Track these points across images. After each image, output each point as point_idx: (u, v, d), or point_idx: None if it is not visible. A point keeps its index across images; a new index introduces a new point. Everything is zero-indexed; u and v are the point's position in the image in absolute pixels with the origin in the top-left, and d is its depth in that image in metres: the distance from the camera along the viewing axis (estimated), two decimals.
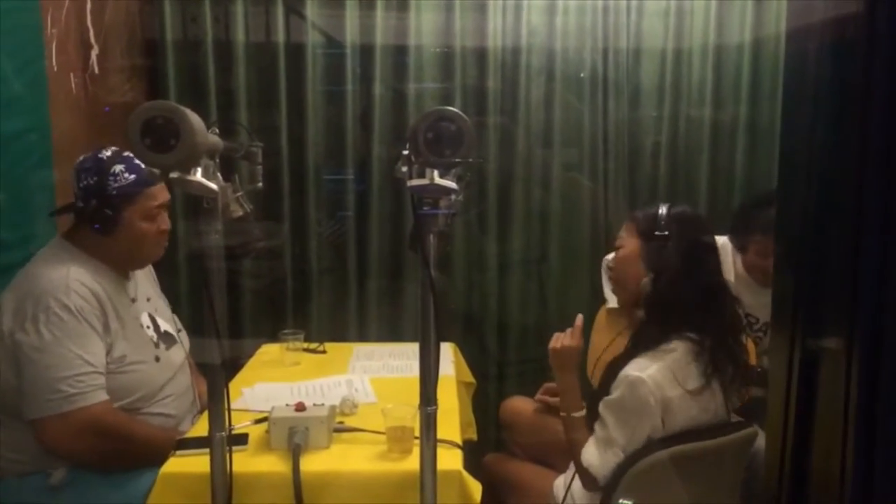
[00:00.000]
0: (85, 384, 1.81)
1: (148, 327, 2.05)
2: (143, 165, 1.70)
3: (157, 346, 2.04)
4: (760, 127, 3.03)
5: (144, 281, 2.15)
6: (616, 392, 1.74)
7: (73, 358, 1.80)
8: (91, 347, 1.84)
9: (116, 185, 1.90)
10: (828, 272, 0.88)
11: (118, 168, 1.91)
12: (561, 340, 1.90)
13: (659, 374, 1.71)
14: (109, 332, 1.90)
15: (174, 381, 2.06)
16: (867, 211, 0.80)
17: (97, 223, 1.92)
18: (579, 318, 1.93)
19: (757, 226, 2.30)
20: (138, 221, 1.95)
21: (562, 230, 3.08)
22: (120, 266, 2.02)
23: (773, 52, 2.97)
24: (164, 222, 2.02)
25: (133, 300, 2.05)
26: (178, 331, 2.20)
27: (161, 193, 1.99)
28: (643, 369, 1.72)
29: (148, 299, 2.12)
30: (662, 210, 1.83)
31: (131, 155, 1.92)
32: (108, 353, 1.89)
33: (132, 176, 1.91)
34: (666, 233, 1.79)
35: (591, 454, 1.76)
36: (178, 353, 2.13)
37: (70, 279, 1.86)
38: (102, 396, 1.84)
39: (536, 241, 3.09)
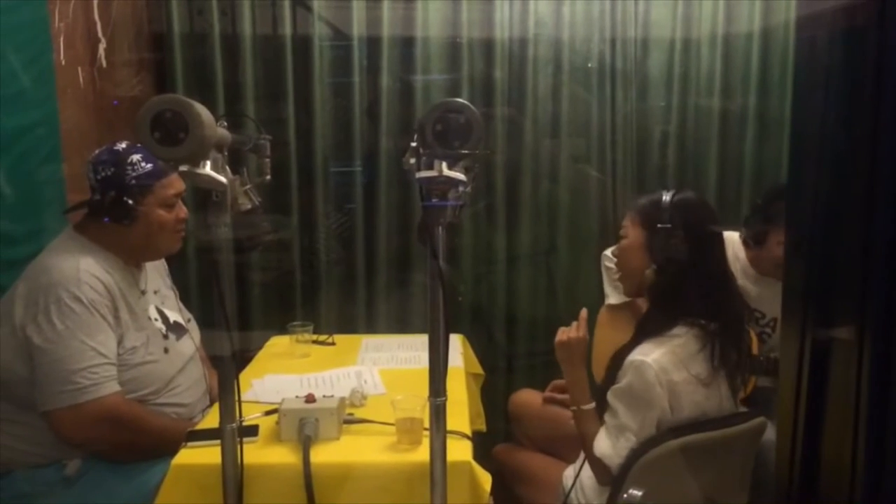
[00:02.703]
0: (98, 375, 1.82)
1: (156, 319, 2.06)
2: None
3: (165, 337, 2.05)
4: (770, 116, 3.01)
5: (153, 272, 2.16)
6: (623, 379, 1.74)
7: (85, 350, 1.81)
8: (103, 339, 1.85)
9: (134, 174, 1.92)
10: (839, 262, 0.87)
11: (135, 158, 1.93)
12: (567, 333, 1.91)
13: (664, 358, 1.71)
14: (120, 323, 1.92)
15: (184, 372, 2.07)
16: (879, 200, 0.80)
17: (116, 214, 1.93)
18: (583, 312, 1.94)
19: (777, 217, 2.28)
20: (157, 210, 1.97)
21: (570, 221, 3.07)
22: (134, 257, 2.03)
23: (782, 40, 2.95)
24: (182, 210, 2.04)
25: (143, 292, 2.06)
26: (188, 320, 2.21)
27: (177, 182, 2.00)
28: (647, 354, 1.72)
29: (156, 291, 2.13)
30: (665, 198, 1.82)
31: None
32: (120, 343, 1.90)
33: (149, 165, 1.93)
34: (669, 222, 1.78)
35: (604, 444, 1.76)
36: (188, 344, 2.14)
37: (81, 271, 1.86)
38: (115, 387, 1.85)
39: (545, 233, 3.08)
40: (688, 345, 1.74)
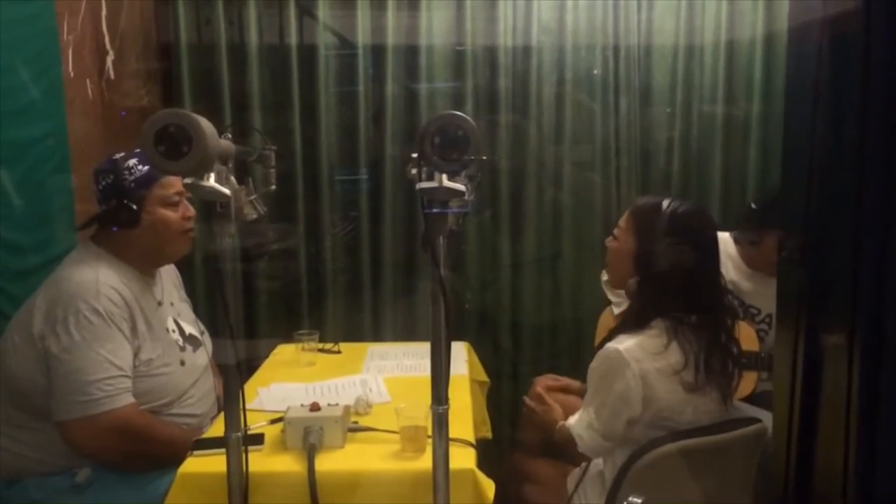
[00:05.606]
0: (113, 387, 1.83)
1: (173, 331, 2.07)
2: None
3: (182, 349, 2.06)
4: (773, 123, 3.01)
5: (169, 284, 2.18)
6: (594, 363, 1.80)
7: (101, 361, 1.83)
8: (119, 351, 1.87)
9: (132, 178, 1.94)
10: (830, 268, 0.88)
11: (131, 162, 1.95)
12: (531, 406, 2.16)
13: (636, 347, 1.73)
14: (137, 335, 1.93)
15: (198, 384, 2.09)
16: (867, 207, 0.81)
17: (122, 219, 1.94)
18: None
19: (773, 219, 2.29)
20: (159, 209, 1.98)
21: (575, 228, 3.08)
22: (147, 264, 2.04)
23: (785, 47, 2.95)
24: (188, 209, 2.04)
25: (159, 303, 2.07)
26: (202, 333, 2.23)
27: (176, 182, 1.99)
28: (620, 342, 1.75)
29: (172, 303, 2.15)
30: (665, 208, 1.81)
31: None
32: (136, 356, 1.91)
33: (146, 168, 1.94)
34: (664, 235, 1.79)
35: (573, 419, 1.86)
36: (202, 356, 2.15)
37: (100, 283, 1.88)
38: (129, 399, 1.87)
39: (550, 240, 3.09)
40: (662, 335, 1.75)
